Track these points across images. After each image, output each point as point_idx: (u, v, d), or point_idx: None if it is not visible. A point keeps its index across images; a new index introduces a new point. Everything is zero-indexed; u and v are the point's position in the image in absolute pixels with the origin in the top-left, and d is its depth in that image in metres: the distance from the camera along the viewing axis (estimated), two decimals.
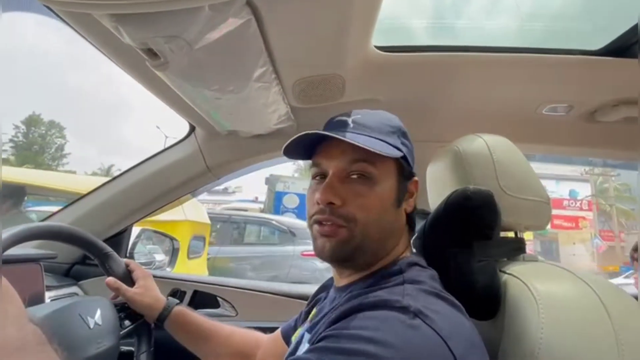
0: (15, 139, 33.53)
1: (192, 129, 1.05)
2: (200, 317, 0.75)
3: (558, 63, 0.80)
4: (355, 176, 0.46)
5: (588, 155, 1.12)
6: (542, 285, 0.45)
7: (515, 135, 0.66)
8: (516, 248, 0.57)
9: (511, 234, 0.59)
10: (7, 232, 0.55)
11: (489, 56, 0.80)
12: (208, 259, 3.10)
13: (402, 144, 0.50)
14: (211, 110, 0.85)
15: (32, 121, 33.99)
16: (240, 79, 0.70)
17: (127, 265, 0.77)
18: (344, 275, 0.50)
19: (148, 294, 0.74)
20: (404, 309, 0.35)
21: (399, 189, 0.48)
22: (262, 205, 10.49)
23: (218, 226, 4.33)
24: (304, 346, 0.48)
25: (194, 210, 2.12)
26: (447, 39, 0.90)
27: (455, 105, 0.97)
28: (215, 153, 1.05)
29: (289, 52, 0.68)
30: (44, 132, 34.13)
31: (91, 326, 0.60)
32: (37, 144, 33.80)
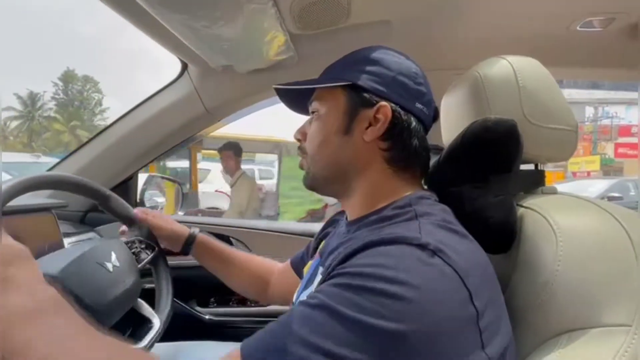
0: (57, 96, 33.62)
1: (185, 66, 0.97)
2: (221, 243, 0.81)
3: None
4: (312, 114, 0.51)
5: (628, 78, 1.01)
6: (561, 218, 0.43)
7: (546, 58, 0.58)
8: (536, 181, 0.54)
9: (530, 167, 0.56)
10: (5, 185, 0.53)
11: None
12: None
13: (361, 71, 0.47)
14: (202, 43, 0.77)
15: (68, 77, 34.21)
16: (228, 0, 0.61)
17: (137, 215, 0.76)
18: (346, 208, 0.52)
19: (171, 222, 0.77)
20: (422, 247, 0.34)
21: (346, 118, 0.47)
22: None
23: None
24: (318, 277, 0.50)
25: None
26: None
27: (474, 26, 0.85)
28: (212, 92, 0.99)
29: None
30: (80, 87, 34.44)
31: (110, 269, 0.62)
32: (77, 99, 34.20)
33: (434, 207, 0.42)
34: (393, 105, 0.46)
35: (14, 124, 31.02)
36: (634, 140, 13.56)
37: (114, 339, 0.33)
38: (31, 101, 32.17)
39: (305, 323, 0.31)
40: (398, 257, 0.34)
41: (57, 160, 1.33)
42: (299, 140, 0.53)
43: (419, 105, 0.47)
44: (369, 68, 0.47)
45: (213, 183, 5.70)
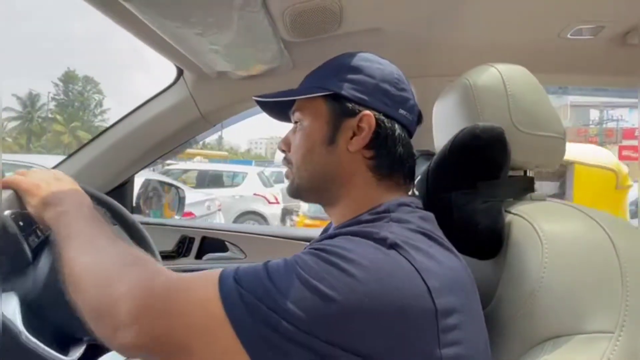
0: (57, 97, 33.39)
1: (180, 72, 0.98)
2: None
3: None
4: (296, 124, 0.50)
5: (620, 85, 1.02)
6: (548, 225, 0.43)
7: (535, 65, 0.59)
8: (524, 188, 0.55)
9: (519, 173, 0.56)
10: None
11: None
12: None
13: (343, 80, 0.47)
14: (196, 50, 0.77)
15: (69, 77, 33.95)
16: (220, 8, 0.62)
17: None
18: (331, 216, 0.52)
19: None
20: (380, 240, 0.36)
21: (329, 128, 0.47)
22: None
23: None
24: None
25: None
26: None
27: (466, 33, 0.86)
28: (207, 98, 0.99)
29: None
30: (81, 88, 34.29)
31: None
32: (77, 100, 33.97)
33: (412, 215, 0.42)
34: (376, 113, 0.46)
35: (12, 125, 30.71)
36: (635, 143, 13.64)
37: (134, 249, 0.43)
38: (30, 102, 31.88)
39: (272, 271, 0.35)
40: (357, 244, 0.36)
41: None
42: (283, 150, 0.52)
43: (402, 112, 0.47)
44: (350, 76, 0.47)
45: (251, 186, 5.69)
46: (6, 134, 29.15)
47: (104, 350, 0.68)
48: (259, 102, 0.53)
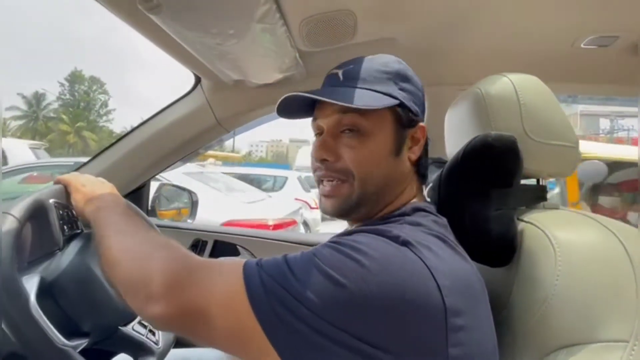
0: (63, 97, 33.18)
1: (198, 80, 1.01)
2: None
3: None
4: (347, 131, 0.46)
5: (628, 94, 1.01)
6: (561, 233, 0.43)
7: (548, 74, 0.59)
8: (537, 196, 0.55)
9: (532, 181, 0.56)
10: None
11: None
12: None
13: (402, 89, 0.47)
14: (215, 59, 0.80)
15: (75, 77, 33.86)
16: (241, 19, 0.64)
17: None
18: (356, 223, 0.52)
19: None
20: (393, 237, 0.37)
21: (396, 138, 0.47)
22: None
23: None
24: None
25: None
26: None
27: (480, 43, 0.87)
28: (224, 105, 1.02)
29: None
30: (86, 88, 34.22)
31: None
32: (83, 100, 33.84)
33: (426, 219, 0.43)
34: (423, 123, 0.49)
35: (16, 123, 30.72)
36: None
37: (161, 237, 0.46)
38: (36, 101, 31.89)
39: (290, 260, 0.37)
40: (371, 239, 0.37)
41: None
42: (324, 160, 0.47)
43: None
44: (405, 85, 0.48)
45: (292, 191, 5.63)
46: (11, 134, 29.44)
47: (110, 354, 0.69)
48: (294, 100, 0.47)
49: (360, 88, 0.46)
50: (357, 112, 0.45)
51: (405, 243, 0.36)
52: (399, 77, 0.48)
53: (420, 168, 0.50)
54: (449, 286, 0.35)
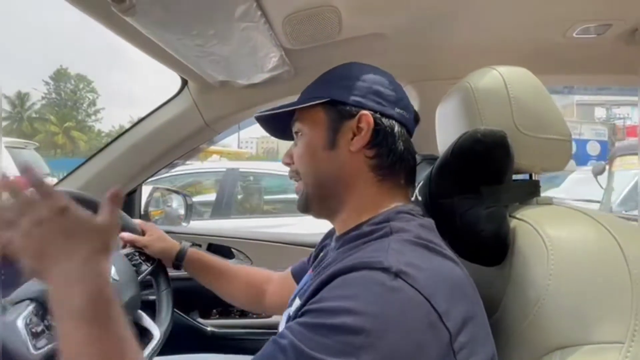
0: (49, 96, 31.61)
1: (185, 82, 0.99)
2: (212, 256, 0.84)
3: None
4: (295, 135, 0.52)
5: (626, 83, 1.00)
6: (553, 230, 0.42)
7: (542, 66, 0.58)
8: (530, 192, 0.53)
9: (525, 177, 0.55)
10: None
11: None
12: None
13: (337, 87, 0.49)
14: (198, 60, 0.78)
15: (60, 75, 32.31)
16: (220, 19, 0.63)
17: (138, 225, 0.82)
18: (335, 224, 0.52)
19: (163, 238, 0.81)
20: (384, 270, 0.35)
21: (329, 133, 0.48)
22: None
23: None
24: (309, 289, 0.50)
25: None
26: None
27: (470, 36, 0.85)
28: (211, 107, 1.00)
29: None
30: (73, 86, 32.83)
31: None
32: (70, 99, 32.43)
33: (410, 223, 0.42)
34: (373, 112, 0.47)
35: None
36: None
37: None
38: (20, 101, 30.36)
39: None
40: (360, 285, 0.35)
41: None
42: (287, 164, 0.53)
43: (398, 110, 0.48)
44: (344, 83, 0.49)
45: None
46: None
47: None
48: (260, 119, 0.54)
49: (302, 98, 0.51)
50: (297, 118, 0.51)
51: (399, 274, 0.34)
52: (338, 78, 0.50)
53: (378, 160, 0.46)
54: (445, 307, 0.34)
